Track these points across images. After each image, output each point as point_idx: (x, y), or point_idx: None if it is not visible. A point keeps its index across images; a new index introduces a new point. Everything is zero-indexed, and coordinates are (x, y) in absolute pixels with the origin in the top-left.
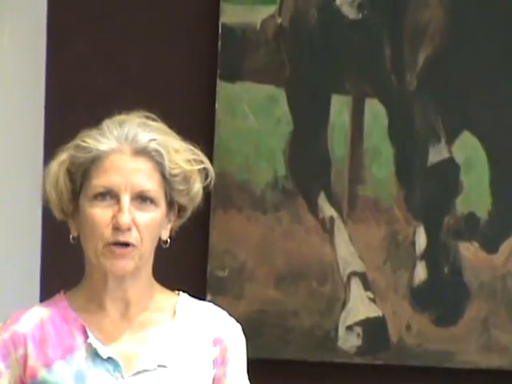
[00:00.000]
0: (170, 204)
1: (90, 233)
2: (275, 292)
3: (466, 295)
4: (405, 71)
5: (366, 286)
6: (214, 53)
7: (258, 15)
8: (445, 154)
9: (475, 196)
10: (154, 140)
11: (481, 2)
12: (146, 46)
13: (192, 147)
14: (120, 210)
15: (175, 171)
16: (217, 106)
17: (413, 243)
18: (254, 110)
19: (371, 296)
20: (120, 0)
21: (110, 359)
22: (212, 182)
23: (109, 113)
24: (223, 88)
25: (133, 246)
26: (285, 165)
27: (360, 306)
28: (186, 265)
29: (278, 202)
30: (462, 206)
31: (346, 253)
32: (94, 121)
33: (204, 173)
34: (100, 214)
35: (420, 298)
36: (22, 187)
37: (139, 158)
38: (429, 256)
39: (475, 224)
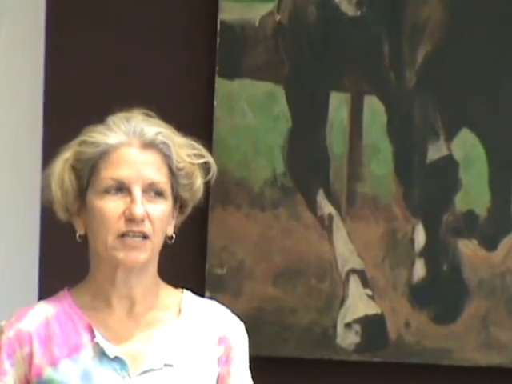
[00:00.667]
0: (175, 199)
1: (101, 226)
2: (273, 289)
3: (465, 293)
4: (404, 68)
5: (365, 283)
6: (212, 50)
7: (257, 12)
8: (444, 152)
9: (474, 193)
10: (161, 133)
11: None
12: (145, 43)
13: (193, 142)
14: (133, 201)
15: (180, 165)
16: (215, 103)
17: (411, 240)
18: (252, 107)
19: (370, 293)
20: (122, 1)
21: (116, 358)
22: (214, 177)
23: (107, 111)
24: (222, 85)
25: (146, 237)
26: (283, 162)
27: (359, 304)
28: (184, 262)
29: (277, 200)
30: (460, 203)
31: (345, 250)
32: (93, 119)
33: (205, 168)
34: (111, 206)
35: (419, 295)
36: (20, 187)
37: (148, 151)
38: (428, 253)
39: (474, 221)
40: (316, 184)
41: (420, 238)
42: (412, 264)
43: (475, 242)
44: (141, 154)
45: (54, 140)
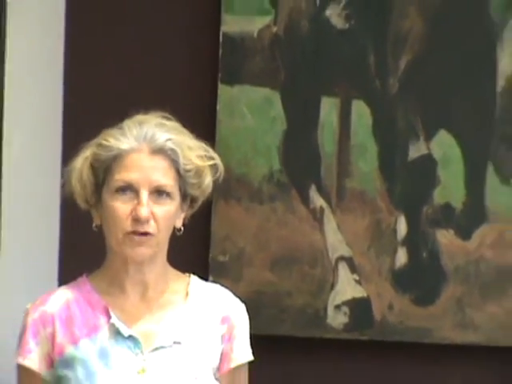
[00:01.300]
0: (184, 196)
1: (112, 223)
2: (271, 275)
3: (443, 278)
4: (387, 76)
5: (353, 269)
6: (215, 59)
7: (255, 25)
8: (423, 151)
9: (451, 188)
10: (170, 140)
11: (455, 12)
12: (156, 53)
13: (204, 144)
14: (139, 203)
15: (188, 167)
16: (218, 107)
17: (394, 231)
18: (251, 111)
19: (357, 278)
20: (132, 13)
21: (130, 337)
22: (221, 176)
23: (121, 112)
24: (224, 91)
25: (151, 235)
26: (279, 160)
27: (347, 288)
28: (190, 250)
29: (274, 194)
30: (439, 197)
31: (334, 240)
32: (107, 118)
33: (214, 167)
34: (120, 206)
35: (401, 280)
36: (42, 181)
37: (156, 157)
38: (409, 242)
39: (451, 213)
40: (309, 180)
41: (402, 228)
42: (395, 252)
43: (452, 232)
44: (150, 159)
45: (73, 136)
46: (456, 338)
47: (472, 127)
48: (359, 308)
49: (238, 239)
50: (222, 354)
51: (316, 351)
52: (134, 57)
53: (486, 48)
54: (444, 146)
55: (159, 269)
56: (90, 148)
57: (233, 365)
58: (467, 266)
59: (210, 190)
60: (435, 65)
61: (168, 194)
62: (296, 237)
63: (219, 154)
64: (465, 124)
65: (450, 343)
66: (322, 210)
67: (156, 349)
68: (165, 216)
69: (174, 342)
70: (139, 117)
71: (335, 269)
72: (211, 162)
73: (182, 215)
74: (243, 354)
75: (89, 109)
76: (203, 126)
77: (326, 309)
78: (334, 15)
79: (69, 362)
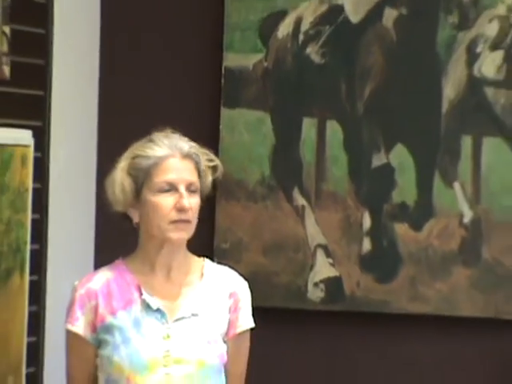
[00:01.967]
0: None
1: (156, 215)
2: (263, 259)
3: (399, 261)
4: (355, 101)
5: (328, 254)
6: (218, 87)
7: (251, 60)
8: (384, 160)
9: (405, 190)
10: (193, 147)
11: (408, 51)
12: (172, 82)
13: (206, 150)
14: (181, 196)
15: (203, 168)
16: (221, 126)
17: (361, 224)
18: (247, 129)
19: (331, 261)
20: (153, 53)
21: (158, 310)
22: (220, 175)
23: (146, 129)
24: (225, 113)
25: (190, 222)
26: (269, 168)
27: (323, 269)
28: (198, 239)
29: (265, 195)
30: (396, 197)
31: (313, 231)
32: (132, 137)
33: (215, 168)
34: (165, 201)
35: (366, 263)
36: (80, 188)
37: (185, 160)
38: (372, 233)
39: (405, 210)
40: (293, 183)
41: (367, 222)
42: (361, 241)
43: (406, 225)
44: (181, 162)
45: (107, 144)
46: (410, 309)
47: (422, 142)
48: (333, 285)
49: (237, 230)
50: (229, 323)
51: (299, 320)
52: (156, 86)
53: (433, 79)
54: (400, 157)
55: (181, 254)
56: (124, 161)
57: (238, 331)
58: (418, 252)
59: (210, 187)
60: (393, 92)
61: (196, 189)
62: (283, 229)
63: (222, 163)
64: (416, 139)
65: (405, 313)
66: (303, 207)
67: (178, 319)
68: (196, 206)
69: (192, 314)
70: (158, 133)
71: (314, 254)
72: (214, 163)
73: None
74: (246, 322)
75: (117, 128)
76: (209, 141)
77: (306, 286)
78: (313, 53)
79: (108, 329)
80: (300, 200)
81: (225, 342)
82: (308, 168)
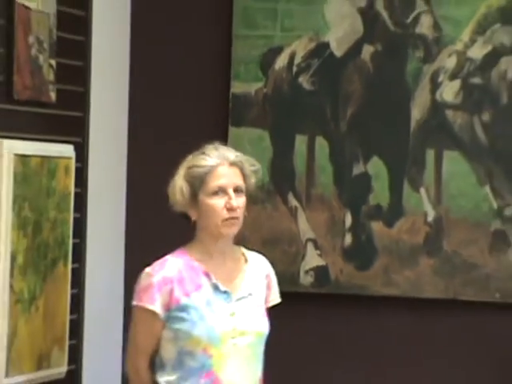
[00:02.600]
0: (246, 192)
1: (211, 214)
2: (263, 250)
3: (375, 252)
4: (339, 120)
5: (316, 247)
6: (226, 110)
7: (253, 87)
8: (362, 170)
9: (380, 194)
10: (238, 156)
11: (382, 80)
12: (189, 107)
13: (249, 157)
14: (230, 198)
15: (247, 172)
16: (229, 142)
17: (343, 222)
18: (250, 144)
19: (319, 253)
20: (178, 78)
21: (225, 291)
22: (260, 179)
23: (170, 144)
24: (232, 131)
25: (238, 219)
26: (268, 176)
27: (312, 259)
28: None
29: (264, 198)
30: (372, 200)
31: (304, 227)
32: (157, 149)
33: (257, 172)
34: (217, 203)
35: (348, 254)
36: (112, 189)
37: (233, 167)
38: (353, 229)
39: (380, 211)
40: (287, 189)
41: (348, 220)
42: (343, 236)
43: (381, 222)
44: (229, 169)
45: (134, 157)
46: (383, 292)
47: (394, 154)
48: (320, 272)
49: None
50: (265, 298)
51: (293, 301)
52: (177, 108)
53: (403, 103)
54: (375, 167)
55: (231, 243)
56: (182, 170)
57: (270, 305)
58: (390, 245)
59: (254, 188)
60: (370, 114)
61: (242, 191)
62: (279, 226)
63: None
64: (389, 152)
65: (380, 295)
66: (296, 208)
67: (239, 299)
68: (242, 205)
69: (249, 294)
70: (209, 146)
71: (305, 247)
72: (256, 168)
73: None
74: (276, 297)
75: (143, 143)
76: None
77: (298, 273)
78: (304, 81)
79: (184, 308)
80: (293, 202)
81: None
82: (300, 176)
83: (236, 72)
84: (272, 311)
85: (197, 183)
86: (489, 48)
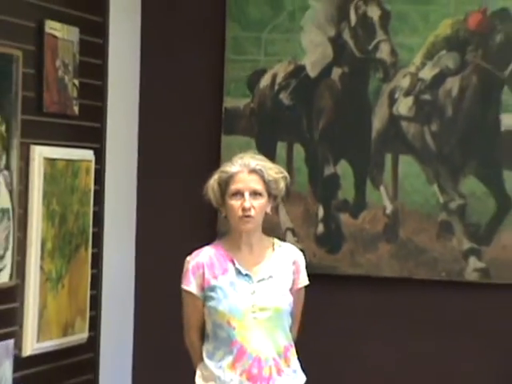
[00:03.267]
0: (269, 195)
1: (231, 212)
2: None
3: (343, 239)
4: (313, 130)
5: (294, 235)
6: (220, 121)
7: (241, 102)
8: (332, 171)
9: (347, 191)
10: (258, 164)
11: (349, 96)
12: (187, 120)
13: (278, 166)
14: (244, 200)
15: (269, 178)
16: (222, 148)
17: (317, 214)
18: (239, 150)
19: (296, 240)
20: (179, 95)
21: (246, 274)
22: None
23: (171, 147)
24: (225, 139)
25: (252, 217)
26: None
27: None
28: (210, 226)
29: None
30: (340, 195)
31: (284, 219)
32: (165, 151)
33: (285, 178)
34: (235, 203)
35: (320, 240)
36: (125, 187)
37: (252, 174)
38: (325, 220)
39: (347, 204)
40: None
41: (320, 213)
42: (317, 225)
43: (347, 214)
44: (248, 175)
45: (144, 161)
46: (350, 272)
47: (359, 158)
48: None
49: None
50: (293, 281)
51: None
52: (178, 121)
53: (365, 116)
54: (343, 169)
55: (258, 235)
56: (216, 174)
57: (298, 286)
58: (355, 233)
59: (283, 191)
60: (338, 125)
61: (259, 194)
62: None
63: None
64: (354, 156)
65: (347, 274)
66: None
67: (259, 280)
68: (258, 206)
69: (269, 276)
70: (240, 154)
71: (284, 234)
72: (281, 175)
73: (270, 205)
74: (304, 280)
75: (153, 148)
76: (212, 162)
77: None
78: (284, 97)
79: (212, 288)
80: None
81: (291, 294)
82: None
83: (228, 89)
84: None
85: (223, 185)
86: (436, 70)
